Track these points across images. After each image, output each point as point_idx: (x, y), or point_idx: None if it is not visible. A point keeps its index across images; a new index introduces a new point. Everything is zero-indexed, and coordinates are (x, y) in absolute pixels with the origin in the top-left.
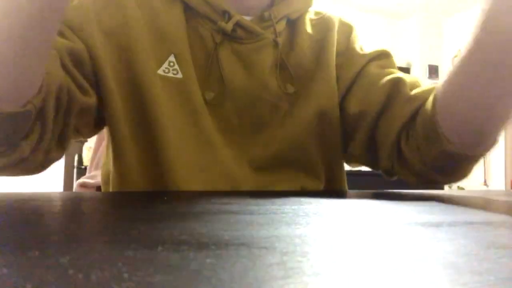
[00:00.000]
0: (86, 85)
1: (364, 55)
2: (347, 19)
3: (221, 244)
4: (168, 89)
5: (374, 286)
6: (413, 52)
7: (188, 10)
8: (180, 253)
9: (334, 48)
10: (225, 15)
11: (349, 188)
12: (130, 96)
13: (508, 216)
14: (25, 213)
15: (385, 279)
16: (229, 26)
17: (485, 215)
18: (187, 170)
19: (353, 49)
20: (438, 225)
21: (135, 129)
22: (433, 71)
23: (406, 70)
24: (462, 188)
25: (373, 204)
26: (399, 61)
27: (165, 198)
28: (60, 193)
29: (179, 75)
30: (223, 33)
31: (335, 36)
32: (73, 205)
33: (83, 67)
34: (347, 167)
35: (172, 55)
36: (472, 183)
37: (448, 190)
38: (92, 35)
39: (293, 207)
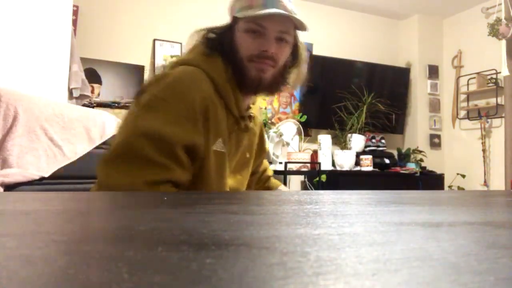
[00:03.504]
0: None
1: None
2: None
3: (221, 244)
4: (215, 156)
5: (374, 286)
6: (413, 52)
7: (227, 111)
8: (180, 253)
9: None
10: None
11: (349, 188)
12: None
13: (508, 216)
14: (25, 212)
15: (386, 279)
16: (243, 125)
17: (485, 215)
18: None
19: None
20: (438, 225)
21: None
22: (433, 71)
23: (406, 70)
24: (462, 188)
25: (373, 204)
26: (399, 61)
27: (165, 198)
28: (60, 193)
29: (223, 150)
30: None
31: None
32: (73, 205)
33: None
34: (347, 167)
35: (220, 139)
36: (472, 183)
37: (448, 190)
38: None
39: (293, 207)
